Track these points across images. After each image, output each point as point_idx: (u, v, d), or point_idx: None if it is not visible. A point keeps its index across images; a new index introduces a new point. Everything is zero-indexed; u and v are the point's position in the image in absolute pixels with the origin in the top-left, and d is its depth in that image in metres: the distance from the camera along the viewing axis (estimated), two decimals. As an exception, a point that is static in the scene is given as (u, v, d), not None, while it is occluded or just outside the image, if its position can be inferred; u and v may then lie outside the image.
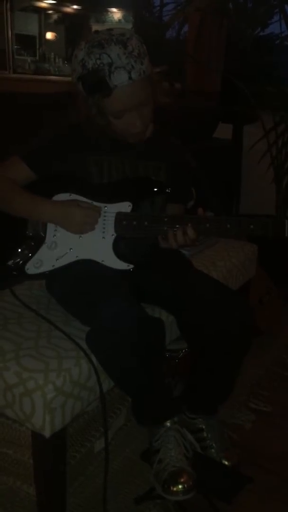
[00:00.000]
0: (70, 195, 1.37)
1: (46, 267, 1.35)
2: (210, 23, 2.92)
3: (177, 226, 1.27)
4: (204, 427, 1.48)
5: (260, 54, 2.93)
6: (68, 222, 1.33)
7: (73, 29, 8.14)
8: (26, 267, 1.35)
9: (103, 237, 1.34)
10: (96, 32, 1.25)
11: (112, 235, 1.34)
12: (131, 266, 1.32)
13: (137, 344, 1.17)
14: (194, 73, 3.22)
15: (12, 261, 1.37)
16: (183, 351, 1.68)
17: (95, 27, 7.93)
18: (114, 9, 7.72)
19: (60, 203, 1.34)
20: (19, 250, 1.37)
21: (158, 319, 1.32)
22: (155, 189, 1.39)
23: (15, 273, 1.36)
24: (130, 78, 1.22)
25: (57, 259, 1.35)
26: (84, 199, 1.36)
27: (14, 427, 1.33)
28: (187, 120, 2.35)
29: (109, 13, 7.84)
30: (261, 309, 2.26)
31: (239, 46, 2.89)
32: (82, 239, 1.35)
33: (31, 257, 1.36)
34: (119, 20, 7.75)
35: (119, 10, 7.69)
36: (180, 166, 1.47)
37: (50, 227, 1.37)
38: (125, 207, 1.34)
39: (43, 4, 7.57)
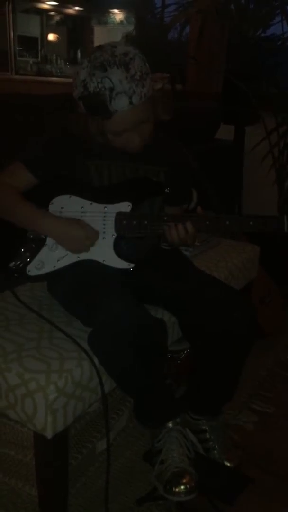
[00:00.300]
0: (70, 197, 1.37)
1: (47, 268, 1.35)
2: (212, 24, 2.92)
3: (178, 224, 1.28)
4: (207, 428, 1.48)
5: (262, 55, 2.93)
6: (66, 241, 1.33)
7: (75, 30, 8.16)
8: (28, 268, 1.36)
9: (104, 237, 1.34)
10: (100, 48, 1.24)
11: (113, 235, 1.34)
12: (132, 265, 1.32)
13: (138, 345, 1.17)
14: (195, 74, 3.22)
15: (14, 263, 1.37)
16: (186, 351, 1.69)
17: (97, 28, 7.95)
18: (116, 11, 7.74)
19: (61, 221, 1.34)
20: (20, 252, 1.37)
21: (159, 320, 1.32)
22: (155, 189, 1.39)
23: (16, 275, 1.37)
24: (131, 103, 1.22)
25: (58, 260, 1.35)
26: (85, 201, 1.36)
27: (16, 428, 1.33)
28: (188, 121, 2.35)
29: (111, 14, 7.85)
30: (263, 310, 2.25)
31: (240, 47, 2.89)
32: None
33: (32, 258, 1.36)
34: (121, 21, 7.76)
35: (120, 11, 7.71)
36: (180, 169, 1.47)
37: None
38: (125, 207, 1.34)
39: (45, 6, 7.59)
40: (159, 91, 1.31)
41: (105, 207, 1.35)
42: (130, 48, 1.25)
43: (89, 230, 1.33)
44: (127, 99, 1.22)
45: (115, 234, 1.34)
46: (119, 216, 1.34)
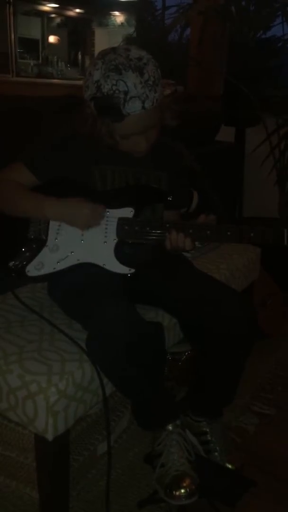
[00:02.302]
0: (73, 199, 1.37)
1: (47, 270, 1.35)
2: (212, 26, 2.92)
3: (179, 232, 1.28)
4: (208, 430, 1.48)
5: (263, 56, 2.93)
6: (75, 216, 1.33)
7: (75, 32, 8.17)
8: (27, 269, 1.36)
9: (105, 242, 1.34)
10: (113, 50, 1.24)
11: (114, 239, 1.34)
12: (132, 270, 1.32)
13: (134, 350, 1.17)
14: (196, 76, 3.22)
15: (13, 262, 1.37)
16: (187, 353, 1.68)
17: (97, 30, 7.96)
18: (116, 13, 7.76)
19: (65, 200, 1.35)
20: (20, 252, 1.37)
21: (156, 323, 1.32)
22: (158, 196, 1.40)
23: (15, 274, 1.37)
24: (143, 107, 1.23)
25: (58, 262, 1.35)
26: None
27: (17, 430, 1.33)
28: (189, 123, 2.35)
29: (111, 16, 7.87)
30: (265, 311, 2.25)
31: (241, 49, 2.89)
32: (84, 243, 1.35)
33: (32, 259, 1.36)
34: (122, 23, 7.77)
35: (121, 13, 7.72)
36: (180, 174, 1.48)
37: (52, 229, 1.37)
38: (127, 212, 1.35)
39: (46, 8, 7.61)
40: (167, 97, 1.32)
41: (108, 211, 1.35)
42: (143, 53, 1.25)
43: (93, 205, 1.33)
44: (140, 104, 1.22)
45: (117, 239, 1.34)
46: (121, 221, 1.34)
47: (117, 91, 1.20)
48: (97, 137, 1.29)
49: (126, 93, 1.20)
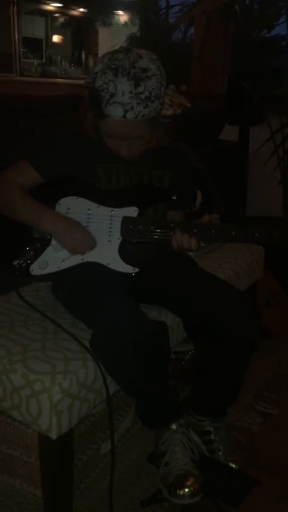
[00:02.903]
0: (77, 198, 1.37)
1: (51, 269, 1.35)
2: (216, 25, 2.91)
3: (184, 232, 1.28)
4: (211, 429, 1.48)
5: (267, 55, 2.93)
6: (65, 237, 1.33)
7: (79, 32, 8.18)
8: (31, 268, 1.36)
9: (109, 241, 1.34)
10: (127, 51, 1.24)
11: (118, 238, 1.34)
12: (136, 269, 1.32)
13: (138, 349, 1.17)
14: (200, 75, 3.22)
15: (18, 261, 1.37)
16: (190, 352, 1.68)
17: (101, 30, 7.96)
18: (120, 12, 7.76)
19: (64, 218, 1.35)
20: (25, 251, 1.37)
21: (160, 322, 1.32)
22: (162, 196, 1.40)
23: (19, 273, 1.37)
24: (124, 116, 1.23)
25: (62, 261, 1.35)
26: (92, 203, 1.37)
27: (21, 429, 1.34)
28: (193, 122, 2.35)
29: (115, 16, 7.87)
30: (269, 311, 2.25)
31: (245, 48, 2.88)
32: None
33: (36, 258, 1.36)
34: (125, 23, 7.77)
35: (125, 13, 7.72)
36: (184, 175, 1.48)
37: (57, 229, 1.37)
38: (132, 211, 1.35)
39: (49, 7, 7.62)
40: (167, 118, 1.32)
41: (112, 210, 1.35)
42: (153, 66, 1.25)
43: (88, 236, 1.33)
44: (122, 111, 1.23)
45: (121, 238, 1.34)
46: (126, 221, 1.34)
47: (105, 90, 1.22)
48: (86, 128, 1.31)
49: (112, 95, 1.22)
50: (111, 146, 1.34)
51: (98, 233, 1.35)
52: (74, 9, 7.83)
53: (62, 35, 8.05)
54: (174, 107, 1.32)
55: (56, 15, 7.91)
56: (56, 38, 7.97)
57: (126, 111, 1.23)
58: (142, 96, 1.22)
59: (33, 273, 1.36)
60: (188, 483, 1.28)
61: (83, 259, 1.35)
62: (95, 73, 1.24)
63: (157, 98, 1.25)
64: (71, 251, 1.34)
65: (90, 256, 1.35)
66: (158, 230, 1.32)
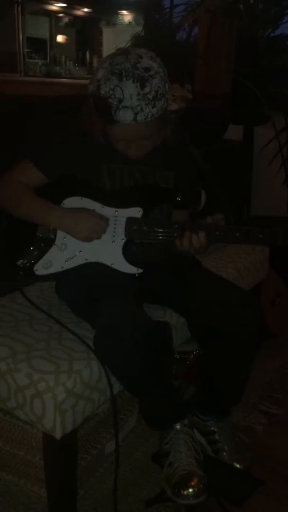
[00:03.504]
0: (81, 198, 1.37)
1: (55, 268, 1.35)
2: (221, 24, 2.90)
3: (187, 232, 1.28)
4: (216, 429, 1.47)
5: (271, 55, 2.92)
6: (77, 228, 1.33)
7: (83, 32, 8.20)
8: (35, 267, 1.36)
9: (113, 241, 1.34)
10: (126, 53, 1.23)
11: (122, 239, 1.34)
12: (140, 270, 1.32)
13: (142, 349, 1.17)
14: (204, 74, 3.21)
15: (22, 261, 1.38)
16: (194, 352, 1.68)
17: (105, 29, 7.97)
18: (124, 12, 7.77)
19: (70, 210, 1.35)
20: (29, 250, 1.38)
21: (163, 323, 1.32)
22: (167, 196, 1.40)
23: (23, 273, 1.37)
24: (134, 119, 1.22)
25: (66, 261, 1.35)
26: (96, 203, 1.36)
27: (25, 429, 1.34)
28: (197, 122, 2.35)
29: (119, 15, 7.88)
30: (273, 311, 2.24)
31: (249, 47, 2.88)
32: (92, 242, 1.35)
33: (40, 258, 1.37)
34: (129, 22, 7.78)
35: (129, 12, 7.73)
36: (189, 174, 1.47)
37: (61, 229, 1.37)
38: (136, 212, 1.35)
39: (54, 8, 7.63)
40: (173, 112, 1.31)
41: (116, 211, 1.35)
42: (155, 64, 1.24)
43: (96, 216, 1.33)
44: (132, 115, 1.22)
45: (125, 239, 1.34)
46: (130, 221, 1.34)
47: (112, 96, 1.20)
48: (96, 134, 1.30)
49: (120, 101, 1.20)
50: (120, 149, 1.33)
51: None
52: (78, 9, 7.84)
53: (66, 35, 8.06)
54: (178, 101, 1.31)
55: (60, 15, 7.93)
56: (60, 38, 7.99)
57: (136, 114, 1.22)
58: (150, 96, 1.21)
59: (37, 272, 1.36)
60: (192, 483, 1.28)
61: (87, 259, 1.35)
62: (98, 80, 1.22)
63: (162, 95, 1.24)
64: (86, 241, 1.33)
65: (94, 257, 1.35)
66: (162, 231, 1.32)
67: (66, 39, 8.06)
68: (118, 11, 7.78)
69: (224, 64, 3.01)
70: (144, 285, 1.35)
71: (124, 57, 1.22)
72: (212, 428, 1.48)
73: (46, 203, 1.35)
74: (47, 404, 1.12)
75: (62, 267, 1.35)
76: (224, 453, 1.46)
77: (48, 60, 7.74)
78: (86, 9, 7.83)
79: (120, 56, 1.22)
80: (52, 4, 7.49)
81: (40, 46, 7.62)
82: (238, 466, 1.46)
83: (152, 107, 1.23)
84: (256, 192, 3.11)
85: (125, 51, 1.25)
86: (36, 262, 1.37)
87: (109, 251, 1.34)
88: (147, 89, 1.21)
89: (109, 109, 1.21)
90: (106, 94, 1.21)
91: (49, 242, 1.37)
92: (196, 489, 1.27)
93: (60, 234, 1.37)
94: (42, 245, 1.37)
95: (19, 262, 1.38)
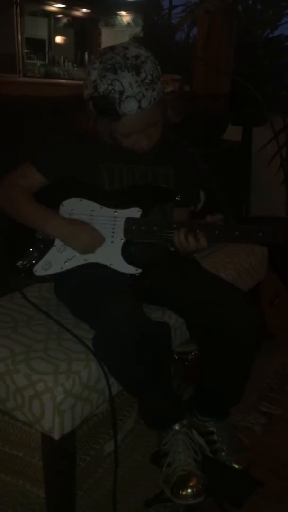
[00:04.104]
0: (80, 200, 1.38)
1: (54, 269, 1.35)
2: (220, 25, 2.91)
3: (187, 233, 1.28)
4: (214, 430, 1.47)
5: (270, 55, 2.93)
6: (74, 242, 1.34)
7: (82, 32, 8.19)
8: (34, 269, 1.36)
9: (112, 241, 1.34)
10: (111, 49, 1.24)
11: (121, 239, 1.34)
12: (139, 270, 1.32)
13: (141, 350, 1.17)
14: (203, 75, 3.21)
15: (21, 262, 1.38)
16: (193, 353, 1.68)
17: (104, 30, 7.97)
18: (123, 13, 7.77)
19: (69, 222, 1.35)
20: (28, 251, 1.38)
21: (162, 323, 1.32)
22: (165, 196, 1.40)
23: (23, 274, 1.37)
24: (139, 107, 1.23)
25: (65, 262, 1.35)
26: (95, 204, 1.37)
27: (24, 429, 1.34)
28: (196, 122, 2.35)
29: (118, 16, 7.88)
30: (272, 311, 2.24)
31: (248, 48, 2.88)
32: None
33: (40, 259, 1.37)
34: (128, 23, 7.78)
35: (128, 13, 7.73)
36: (188, 171, 1.47)
37: (60, 230, 1.38)
38: (135, 212, 1.35)
39: (52, 8, 7.63)
40: (169, 94, 1.31)
41: (115, 211, 1.35)
42: (142, 51, 1.25)
43: (95, 234, 1.34)
44: (136, 103, 1.22)
45: (124, 239, 1.34)
46: (129, 221, 1.34)
47: (112, 91, 1.20)
48: (99, 135, 1.29)
49: (121, 92, 1.20)
50: (129, 144, 1.32)
51: None
52: (77, 10, 7.84)
53: (65, 36, 8.06)
54: (170, 84, 1.31)
55: (59, 15, 7.92)
56: (59, 39, 7.98)
57: (139, 101, 1.22)
58: (147, 81, 1.22)
59: (37, 273, 1.36)
60: (191, 484, 1.28)
61: (86, 260, 1.35)
62: (94, 81, 1.22)
63: (158, 78, 1.25)
64: (82, 253, 1.34)
65: (93, 257, 1.35)
66: (161, 231, 1.32)
67: (65, 40, 8.06)
68: (117, 12, 7.78)
69: (223, 64, 3.02)
70: (143, 286, 1.35)
71: (112, 53, 1.23)
72: (210, 429, 1.48)
73: (46, 211, 1.35)
74: (45, 405, 1.12)
75: (61, 268, 1.35)
76: (223, 454, 1.46)
77: (47, 61, 7.73)
78: (85, 10, 7.83)
79: (107, 53, 1.23)
80: (51, 4, 7.48)
81: (39, 47, 7.62)
82: (237, 466, 1.46)
83: (153, 91, 1.23)
84: (254, 193, 3.11)
85: (110, 47, 1.26)
86: (35, 263, 1.37)
87: (108, 252, 1.34)
88: (143, 75, 1.21)
89: (112, 105, 1.21)
90: (105, 91, 1.21)
91: (49, 244, 1.37)
92: (195, 490, 1.27)
93: (59, 235, 1.37)
94: (42, 246, 1.37)
95: (19, 263, 1.38)
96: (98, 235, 1.34)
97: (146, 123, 1.28)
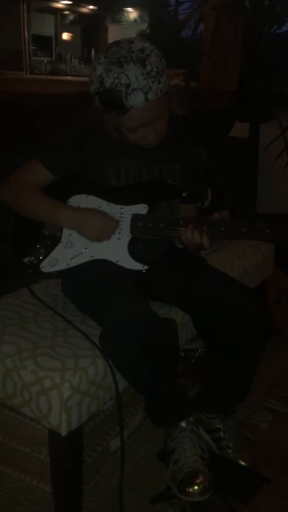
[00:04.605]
0: (87, 196, 1.38)
1: (61, 266, 1.36)
2: (226, 21, 2.90)
3: (193, 229, 1.27)
4: (221, 427, 1.47)
5: (277, 51, 2.91)
6: (87, 229, 1.34)
7: (89, 29, 8.18)
8: (41, 265, 1.36)
9: (119, 238, 1.34)
10: (116, 43, 1.25)
11: (128, 236, 1.34)
12: (146, 267, 1.32)
13: (147, 347, 1.17)
14: (210, 72, 3.20)
15: (28, 258, 1.38)
16: (200, 350, 1.68)
17: (111, 27, 7.95)
18: (129, 9, 7.75)
19: (79, 210, 1.36)
20: (35, 248, 1.38)
21: (169, 320, 1.32)
22: (172, 193, 1.40)
23: (30, 271, 1.38)
24: (146, 99, 1.23)
25: (72, 258, 1.35)
26: (102, 201, 1.37)
27: (31, 425, 1.34)
28: (203, 119, 2.34)
29: (124, 12, 7.86)
30: (279, 308, 2.24)
31: (255, 44, 2.87)
32: None
33: (46, 255, 1.37)
34: (135, 19, 7.76)
35: (134, 9, 7.71)
36: (195, 167, 1.47)
37: (67, 226, 1.38)
38: (142, 209, 1.35)
39: (59, 5, 7.63)
40: (174, 87, 1.32)
41: (122, 208, 1.35)
42: (146, 44, 1.25)
43: (107, 219, 1.34)
44: (143, 96, 1.22)
45: (130, 236, 1.34)
46: (135, 218, 1.34)
47: (119, 85, 1.21)
48: (106, 130, 1.30)
49: (128, 85, 1.21)
50: (137, 139, 1.32)
51: None
52: (84, 6, 7.83)
53: (71, 33, 8.05)
54: (174, 78, 1.32)
55: (66, 12, 7.92)
56: (65, 36, 7.98)
57: (146, 94, 1.23)
58: (153, 73, 1.23)
59: (43, 270, 1.36)
60: (198, 481, 1.27)
61: (92, 256, 1.35)
62: (100, 76, 1.23)
63: (163, 71, 1.26)
64: (95, 241, 1.34)
65: (100, 254, 1.35)
66: (168, 228, 1.32)
67: (72, 37, 8.06)
68: (124, 8, 7.77)
69: (230, 61, 3.01)
70: (150, 283, 1.35)
71: (117, 47, 1.23)
72: (217, 426, 1.48)
73: (56, 201, 1.36)
74: (52, 401, 1.13)
75: (68, 265, 1.35)
76: (229, 451, 1.46)
77: (53, 58, 7.74)
78: (91, 7, 7.82)
79: (112, 48, 1.24)
80: (57, 1, 7.48)
81: (45, 43, 7.62)
82: (243, 463, 1.46)
83: (159, 83, 1.24)
84: (261, 190, 3.10)
85: (114, 42, 1.27)
86: (42, 259, 1.37)
87: (114, 248, 1.34)
88: (148, 68, 1.22)
89: (119, 98, 1.22)
90: (111, 85, 1.22)
91: (55, 240, 1.37)
92: (201, 487, 1.27)
93: (66, 231, 1.37)
94: (48, 242, 1.38)
95: (26, 260, 1.38)
96: (110, 219, 1.34)
97: (153, 116, 1.28)
